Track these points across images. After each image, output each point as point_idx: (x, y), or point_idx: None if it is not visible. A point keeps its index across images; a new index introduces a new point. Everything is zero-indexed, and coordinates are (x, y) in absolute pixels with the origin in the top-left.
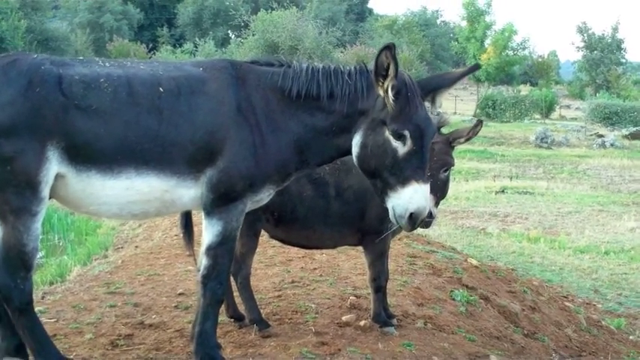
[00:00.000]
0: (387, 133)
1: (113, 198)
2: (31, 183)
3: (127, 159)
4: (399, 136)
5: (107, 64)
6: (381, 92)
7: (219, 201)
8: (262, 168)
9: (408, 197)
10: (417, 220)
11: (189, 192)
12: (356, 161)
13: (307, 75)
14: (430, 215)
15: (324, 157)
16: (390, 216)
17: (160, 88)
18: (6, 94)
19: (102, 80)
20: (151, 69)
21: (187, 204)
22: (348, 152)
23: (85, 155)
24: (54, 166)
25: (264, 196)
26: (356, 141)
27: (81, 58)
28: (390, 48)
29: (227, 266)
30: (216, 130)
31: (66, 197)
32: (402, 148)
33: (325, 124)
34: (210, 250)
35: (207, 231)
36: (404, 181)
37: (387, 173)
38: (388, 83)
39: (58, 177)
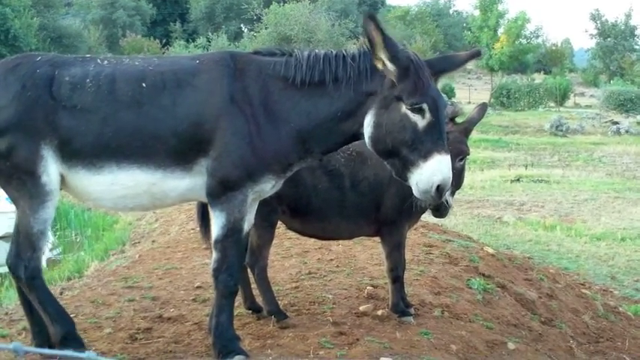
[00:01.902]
0: (404, 109)
1: (103, 193)
2: (32, 176)
3: (106, 154)
4: (418, 110)
5: (105, 62)
6: (380, 66)
7: (217, 190)
8: (260, 157)
9: (432, 170)
10: (444, 192)
11: (182, 183)
12: (370, 143)
13: (310, 62)
14: (446, 205)
15: (329, 145)
16: (415, 192)
17: (143, 84)
18: (2, 99)
19: (87, 80)
20: (143, 65)
21: (186, 195)
22: (355, 137)
23: (71, 152)
24: (51, 163)
25: (267, 187)
26: (368, 122)
27: (87, 56)
28: (371, 18)
29: (237, 258)
30: (204, 121)
31: (70, 191)
32: (421, 122)
33: (331, 109)
34: (218, 243)
35: (213, 224)
36: (426, 155)
37: (407, 149)
38: (381, 54)
39: (60, 173)
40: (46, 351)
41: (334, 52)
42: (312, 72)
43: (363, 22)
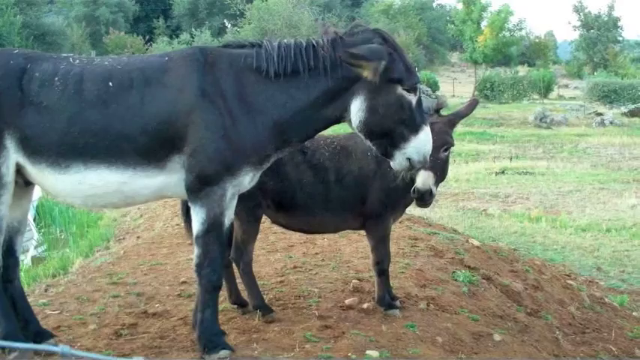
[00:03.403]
0: (400, 90)
1: (71, 191)
2: None
3: (72, 153)
4: (413, 89)
5: (77, 61)
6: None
7: (195, 186)
8: (236, 150)
9: (423, 141)
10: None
11: (155, 180)
12: (362, 127)
13: (281, 53)
14: (430, 194)
15: (308, 133)
16: (402, 166)
17: (110, 83)
18: None
19: (56, 78)
20: (112, 64)
21: (160, 192)
22: (335, 122)
23: (35, 149)
24: (12, 154)
25: (245, 181)
26: (359, 107)
27: (63, 54)
28: (348, 56)
29: (219, 252)
30: (175, 118)
31: (40, 186)
32: (413, 99)
33: (309, 98)
34: (199, 238)
35: (194, 220)
36: (417, 129)
37: (402, 127)
38: (369, 70)
39: (20, 167)
40: (22, 345)
41: (304, 43)
42: (285, 63)
43: (347, 62)
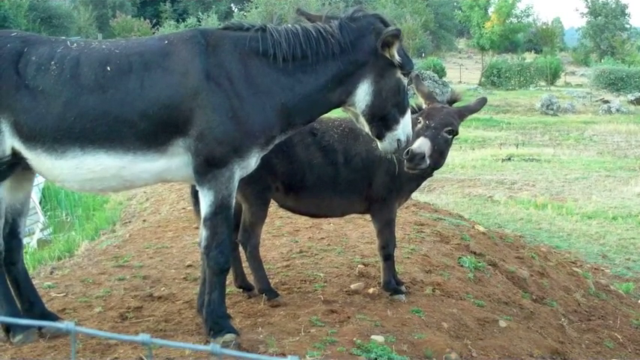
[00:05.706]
0: (399, 74)
1: (68, 176)
2: None
3: (69, 139)
4: (407, 74)
5: (74, 45)
6: (388, 55)
7: (203, 168)
8: (245, 131)
9: (407, 123)
10: None
11: (155, 164)
12: (368, 110)
13: (289, 39)
14: (422, 158)
15: (313, 116)
16: (392, 146)
17: (108, 67)
18: None
19: (52, 62)
20: (110, 48)
21: (161, 175)
22: (337, 106)
23: (30, 134)
24: (7, 138)
25: (252, 162)
26: (366, 91)
27: (62, 37)
28: (397, 35)
29: (226, 235)
30: (178, 102)
31: (36, 171)
32: (406, 82)
33: (319, 82)
34: (207, 220)
35: (202, 202)
36: (404, 111)
37: (395, 109)
38: (393, 52)
39: (16, 152)
40: (26, 322)
41: (312, 30)
42: (294, 49)
43: (387, 35)
